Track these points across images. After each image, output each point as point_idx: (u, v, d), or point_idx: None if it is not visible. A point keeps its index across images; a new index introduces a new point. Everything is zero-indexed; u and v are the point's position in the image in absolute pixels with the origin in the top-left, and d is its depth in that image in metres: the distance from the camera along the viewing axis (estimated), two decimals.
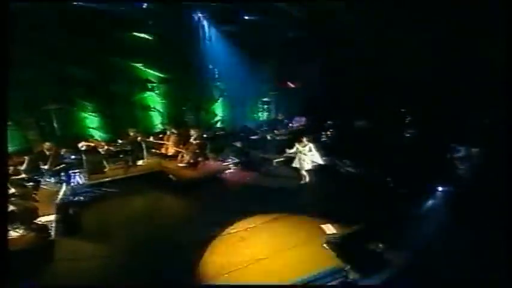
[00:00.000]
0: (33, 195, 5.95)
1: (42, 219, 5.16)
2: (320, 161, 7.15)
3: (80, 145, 7.64)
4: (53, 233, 4.95)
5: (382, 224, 5.17)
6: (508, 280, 3.38)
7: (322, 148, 7.71)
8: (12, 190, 5.32)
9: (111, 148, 8.06)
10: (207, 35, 9.83)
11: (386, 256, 4.33)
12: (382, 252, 4.37)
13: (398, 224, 5.17)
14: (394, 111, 10.02)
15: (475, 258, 4.33)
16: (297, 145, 7.07)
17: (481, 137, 6.79)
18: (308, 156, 6.98)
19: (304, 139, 7.04)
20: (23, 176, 6.26)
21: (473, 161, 6.58)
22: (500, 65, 5.77)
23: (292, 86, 10.93)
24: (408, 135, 9.38)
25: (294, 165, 7.18)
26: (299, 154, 7.03)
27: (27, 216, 4.99)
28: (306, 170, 7.07)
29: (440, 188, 6.44)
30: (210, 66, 10.15)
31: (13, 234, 4.72)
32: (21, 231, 4.81)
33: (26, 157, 6.60)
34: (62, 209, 5.76)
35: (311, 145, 7.00)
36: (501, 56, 5.75)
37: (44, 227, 4.96)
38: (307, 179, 7.11)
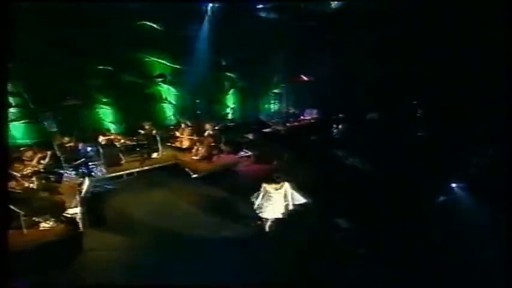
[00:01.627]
0: (58, 189, 6.13)
1: (69, 212, 5.33)
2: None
3: (100, 139, 7.78)
4: (81, 224, 5.13)
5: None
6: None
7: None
8: (39, 183, 5.48)
9: (126, 141, 8.20)
10: (218, 25, 9.74)
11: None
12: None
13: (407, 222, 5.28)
14: (407, 104, 10.02)
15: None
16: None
17: (494, 133, 6.76)
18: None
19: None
20: (47, 169, 6.40)
21: (487, 158, 6.57)
22: None
23: (305, 79, 10.87)
24: (420, 129, 9.42)
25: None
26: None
27: (56, 209, 5.18)
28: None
29: (453, 185, 6.51)
30: (222, 58, 10.11)
31: (44, 225, 4.92)
32: (51, 223, 5.00)
33: (48, 152, 6.74)
34: (87, 201, 5.94)
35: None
36: None
37: (72, 219, 5.13)
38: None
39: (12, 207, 4.64)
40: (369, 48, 10.06)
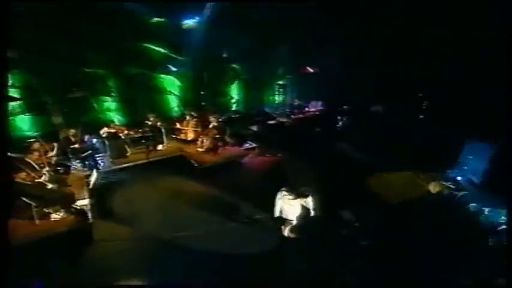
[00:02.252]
0: (66, 180, 6.20)
1: (78, 203, 5.40)
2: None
3: (101, 131, 7.79)
4: (90, 215, 5.21)
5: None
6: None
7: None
8: (49, 175, 5.54)
9: (131, 133, 8.21)
10: (223, 16, 9.60)
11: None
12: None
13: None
14: (412, 96, 9.96)
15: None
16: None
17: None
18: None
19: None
20: (55, 161, 6.46)
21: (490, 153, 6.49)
22: None
23: (311, 70, 10.76)
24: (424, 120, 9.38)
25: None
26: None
27: (65, 200, 5.25)
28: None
29: (459, 178, 6.51)
30: (226, 49, 10.01)
31: (55, 216, 5.01)
32: (61, 214, 5.08)
33: (55, 144, 6.78)
34: (95, 193, 6.02)
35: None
36: None
37: (82, 211, 5.21)
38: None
39: (23, 198, 4.73)
40: (375, 40, 9.94)
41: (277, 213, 4.64)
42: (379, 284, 4.07)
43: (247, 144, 8.87)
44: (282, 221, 4.62)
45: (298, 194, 4.35)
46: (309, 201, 4.40)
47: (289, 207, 4.48)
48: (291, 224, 4.53)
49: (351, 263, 4.40)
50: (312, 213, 4.43)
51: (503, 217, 4.90)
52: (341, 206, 5.39)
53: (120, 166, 7.42)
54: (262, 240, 5.01)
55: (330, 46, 10.36)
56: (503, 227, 4.82)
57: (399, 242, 4.66)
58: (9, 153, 5.29)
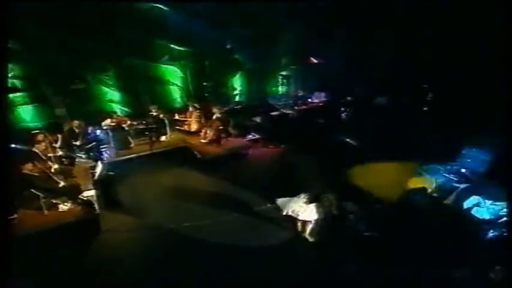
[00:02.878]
0: (71, 172, 6.26)
1: (84, 194, 5.48)
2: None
3: (103, 123, 7.79)
4: (97, 206, 5.30)
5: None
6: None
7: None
8: (55, 166, 5.60)
9: (134, 123, 8.21)
10: (226, 5, 9.42)
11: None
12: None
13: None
14: (416, 87, 9.87)
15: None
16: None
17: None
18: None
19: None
20: (59, 153, 6.50)
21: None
22: None
23: (315, 61, 10.62)
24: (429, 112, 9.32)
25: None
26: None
27: (72, 191, 5.33)
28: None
29: (462, 170, 6.53)
30: (228, 39, 9.86)
31: (63, 207, 5.10)
32: (69, 205, 5.17)
33: (59, 135, 6.81)
34: (101, 184, 6.10)
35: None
36: None
37: (89, 202, 5.29)
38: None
39: (31, 189, 4.81)
40: (379, 31, 9.77)
41: (289, 212, 4.72)
42: (381, 273, 4.17)
43: (250, 136, 8.89)
44: (293, 220, 4.74)
45: (315, 198, 4.43)
46: (325, 206, 4.46)
47: (304, 209, 4.55)
48: (307, 224, 4.64)
49: (354, 254, 4.49)
50: (328, 215, 4.49)
51: (504, 209, 4.95)
52: (345, 197, 5.43)
53: (124, 157, 7.47)
54: (265, 231, 5.11)
55: (334, 37, 10.19)
56: (504, 219, 4.87)
57: (399, 235, 4.73)
58: (15, 145, 5.37)
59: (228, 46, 9.91)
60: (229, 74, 10.44)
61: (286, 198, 5.04)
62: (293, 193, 4.92)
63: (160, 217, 5.56)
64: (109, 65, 8.55)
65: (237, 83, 10.72)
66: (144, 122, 8.16)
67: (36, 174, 5.11)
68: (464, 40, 8.10)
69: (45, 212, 4.89)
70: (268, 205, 5.72)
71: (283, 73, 11.05)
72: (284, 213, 4.82)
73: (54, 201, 5.08)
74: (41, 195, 4.87)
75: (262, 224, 5.29)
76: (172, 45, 9.22)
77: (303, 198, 4.64)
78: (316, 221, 4.57)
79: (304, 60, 10.72)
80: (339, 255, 4.48)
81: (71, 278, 4.17)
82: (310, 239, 4.76)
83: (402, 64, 9.64)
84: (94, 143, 7.28)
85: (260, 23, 9.61)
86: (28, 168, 5.01)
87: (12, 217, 4.55)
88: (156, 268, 4.38)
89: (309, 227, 4.69)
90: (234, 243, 4.83)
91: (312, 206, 4.53)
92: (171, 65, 9.44)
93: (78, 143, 7.06)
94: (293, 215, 4.70)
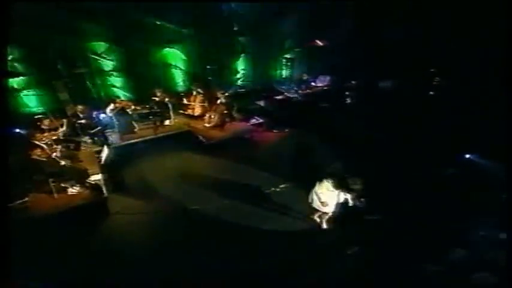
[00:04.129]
0: (77, 156, 6.33)
1: (92, 178, 5.57)
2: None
3: (108, 109, 7.76)
4: (104, 190, 5.39)
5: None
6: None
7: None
8: (62, 150, 5.66)
9: (138, 108, 8.17)
10: None
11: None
12: None
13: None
14: (422, 71, 9.66)
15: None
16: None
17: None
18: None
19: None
20: (65, 137, 6.54)
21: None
22: None
23: (320, 44, 10.33)
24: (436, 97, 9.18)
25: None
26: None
27: (79, 175, 5.41)
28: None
29: (467, 156, 6.48)
30: (232, 21, 9.58)
31: (72, 191, 5.20)
32: (77, 189, 5.27)
33: (64, 120, 6.82)
34: (107, 168, 6.17)
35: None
36: None
37: (96, 185, 5.38)
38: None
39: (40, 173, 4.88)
40: (385, 14, 9.42)
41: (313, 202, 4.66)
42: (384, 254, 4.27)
43: (254, 120, 8.86)
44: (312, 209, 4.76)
45: (340, 185, 4.31)
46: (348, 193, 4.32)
47: (327, 196, 4.47)
48: (325, 213, 4.66)
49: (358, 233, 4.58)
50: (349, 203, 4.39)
51: None
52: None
53: (129, 142, 7.51)
54: (269, 215, 5.22)
55: (338, 19, 9.85)
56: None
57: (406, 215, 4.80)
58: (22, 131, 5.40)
59: (233, 29, 9.63)
60: (232, 57, 10.22)
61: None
62: (298, 177, 4.94)
63: (166, 200, 5.67)
64: (111, 48, 8.38)
65: (241, 66, 10.52)
66: (147, 106, 8.12)
67: (44, 159, 5.17)
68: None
69: (55, 195, 4.99)
70: (273, 189, 5.80)
71: (288, 56, 10.80)
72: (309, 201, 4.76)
73: (63, 185, 5.17)
74: (50, 179, 4.94)
75: (266, 208, 5.39)
76: (175, 28, 8.98)
77: (326, 183, 4.46)
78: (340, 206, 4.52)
79: (309, 43, 10.43)
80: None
81: (81, 259, 4.29)
82: (326, 226, 4.85)
83: (409, 46, 9.37)
84: (99, 128, 7.30)
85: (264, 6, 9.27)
86: (36, 153, 5.07)
87: (21, 201, 4.65)
88: (163, 249, 4.51)
89: (327, 215, 4.72)
90: (238, 225, 4.95)
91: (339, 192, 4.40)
92: (173, 47, 9.25)
93: (83, 127, 7.07)
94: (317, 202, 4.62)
